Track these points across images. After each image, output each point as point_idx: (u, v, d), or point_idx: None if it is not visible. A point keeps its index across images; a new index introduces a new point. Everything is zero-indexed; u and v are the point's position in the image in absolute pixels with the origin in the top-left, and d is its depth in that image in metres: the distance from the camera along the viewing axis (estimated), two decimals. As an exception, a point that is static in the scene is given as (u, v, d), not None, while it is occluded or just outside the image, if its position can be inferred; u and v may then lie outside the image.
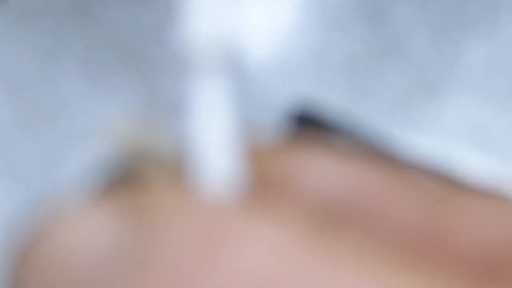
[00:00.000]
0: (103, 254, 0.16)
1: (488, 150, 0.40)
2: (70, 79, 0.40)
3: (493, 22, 0.42)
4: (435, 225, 0.17)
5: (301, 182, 0.17)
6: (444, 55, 0.41)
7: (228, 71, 0.16)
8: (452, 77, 0.41)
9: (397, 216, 0.17)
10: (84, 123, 0.41)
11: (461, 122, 0.40)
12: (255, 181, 0.17)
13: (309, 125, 0.40)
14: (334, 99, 0.39)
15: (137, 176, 0.17)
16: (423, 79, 0.41)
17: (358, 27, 0.41)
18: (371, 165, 0.17)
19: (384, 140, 0.38)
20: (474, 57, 0.42)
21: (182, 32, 0.15)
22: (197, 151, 0.17)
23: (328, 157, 0.17)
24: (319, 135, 0.24)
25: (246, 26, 0.44)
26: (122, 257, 0.15)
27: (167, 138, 0.17)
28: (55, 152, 0.40)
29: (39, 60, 0.40)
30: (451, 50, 0.41)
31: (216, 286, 0.14)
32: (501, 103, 0.40)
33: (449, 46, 0.42)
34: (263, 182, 0.17)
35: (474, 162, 0.39)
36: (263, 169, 0.17)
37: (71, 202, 0.16)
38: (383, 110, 0.40)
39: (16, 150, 0.41)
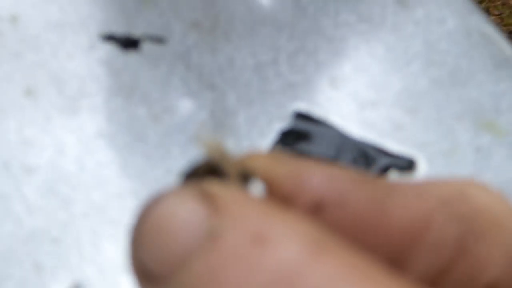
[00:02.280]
0: (192, 226, 0.20)
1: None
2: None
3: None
4: (380, 207, 0.22)
5: (300, 184, 0.22)
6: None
7: None
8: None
9: (357, 203, 0.22)
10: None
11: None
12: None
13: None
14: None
15: (216, 172, 0.22)
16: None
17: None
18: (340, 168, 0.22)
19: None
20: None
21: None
22: None
23: (314, 166, 0.22)
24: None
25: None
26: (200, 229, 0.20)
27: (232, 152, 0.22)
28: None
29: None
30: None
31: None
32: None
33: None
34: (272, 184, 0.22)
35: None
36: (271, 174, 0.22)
37: (175, 187, 0.21)
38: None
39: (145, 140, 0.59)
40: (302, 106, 0.61)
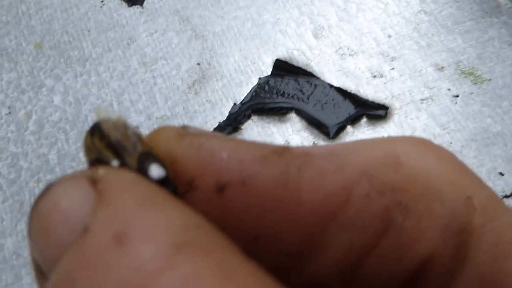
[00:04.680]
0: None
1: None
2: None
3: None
4: (289, 184, 0.20)
5: (203, 165, 0.20)
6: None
7: None
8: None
9: (263, 182, 0.20)
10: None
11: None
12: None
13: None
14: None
15: (118, 150, 0.20)
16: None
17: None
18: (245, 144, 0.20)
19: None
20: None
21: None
22: None
23: (219, 144, 0.20)
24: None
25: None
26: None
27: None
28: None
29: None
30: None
31: None
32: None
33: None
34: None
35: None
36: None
37: (69, 174, 0.19)
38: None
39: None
40: (285, 53, 0.55)
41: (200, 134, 0.20)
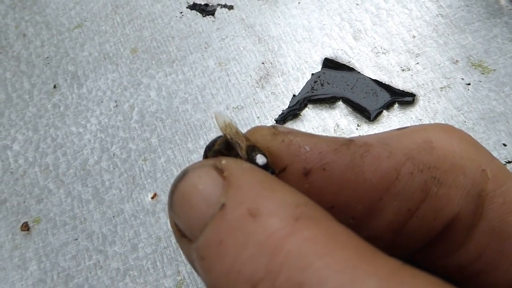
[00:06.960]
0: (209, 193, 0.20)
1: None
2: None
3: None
4: (355, 168, 0.22)
5: (292, 155, 0.22)
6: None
7: None
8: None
9: (336, 168, 0.22)
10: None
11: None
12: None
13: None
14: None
15: (230, 146, 0.23)
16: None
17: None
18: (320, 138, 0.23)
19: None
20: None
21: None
22: None
23: (303, 138, 0.22)
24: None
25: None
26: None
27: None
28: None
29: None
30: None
31: None
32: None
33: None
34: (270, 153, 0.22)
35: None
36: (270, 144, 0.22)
37: (197, 162, 0.21)
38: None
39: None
40: (331, 53, 0.63)
41: (288, 132, 0.23)
